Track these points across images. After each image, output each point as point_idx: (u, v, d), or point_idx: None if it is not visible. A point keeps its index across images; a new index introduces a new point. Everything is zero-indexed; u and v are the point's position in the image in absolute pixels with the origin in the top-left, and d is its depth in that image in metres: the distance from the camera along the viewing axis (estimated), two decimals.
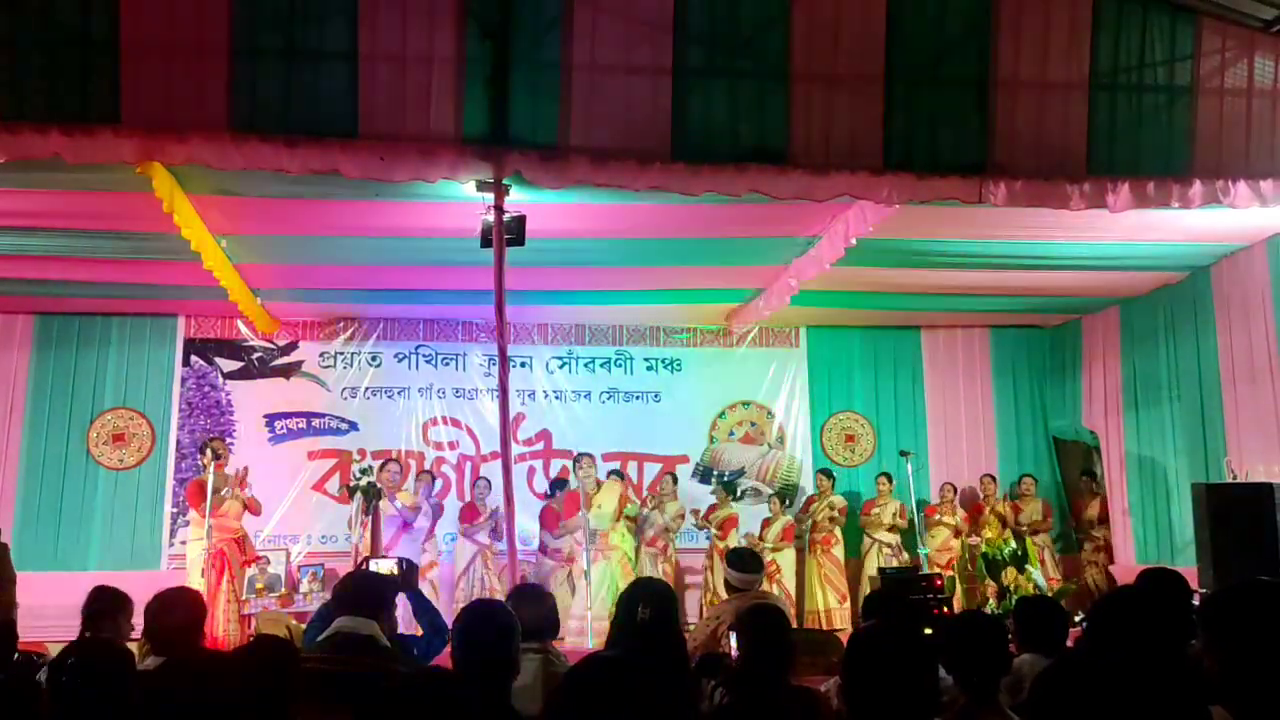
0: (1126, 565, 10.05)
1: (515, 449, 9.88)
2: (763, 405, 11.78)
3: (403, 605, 3.91)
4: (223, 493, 8.85)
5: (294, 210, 7.23)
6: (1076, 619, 7.26)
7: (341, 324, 11.18)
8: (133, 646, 3.49)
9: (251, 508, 9.31)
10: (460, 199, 6.53)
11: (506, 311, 6.59)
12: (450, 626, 2.74)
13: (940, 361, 11.84)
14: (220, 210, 7.13)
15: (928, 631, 3.43)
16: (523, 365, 11.28)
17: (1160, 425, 9.79)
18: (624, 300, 10.47)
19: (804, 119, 6.07)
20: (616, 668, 1.78)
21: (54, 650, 3.88)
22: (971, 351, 11.88)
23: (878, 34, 6.13)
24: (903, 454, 10.26)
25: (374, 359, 11.24)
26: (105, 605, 3.96)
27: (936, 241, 7.97)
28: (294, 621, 6.03)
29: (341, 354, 11.19)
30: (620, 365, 11.74)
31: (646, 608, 2.94)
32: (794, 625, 5.30)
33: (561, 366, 11.63)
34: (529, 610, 2.98)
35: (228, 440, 10.29)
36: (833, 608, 10.42)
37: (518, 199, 6.38)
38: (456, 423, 11.29)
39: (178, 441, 10.64)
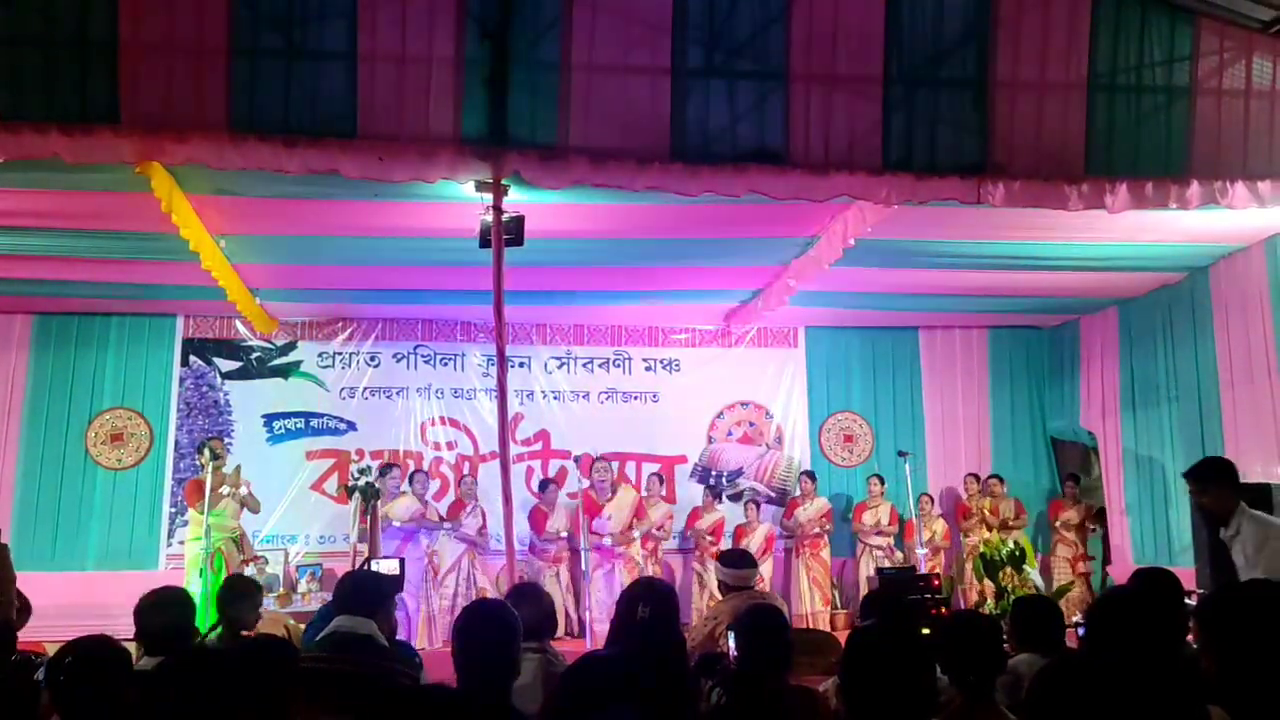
0: (1124, 566, 10.05)
1: (513, 449, 9.88)
2: (761, 405, 11.80)
3: None
4: (220, 491, 8.85)
5: (293, 210, 7.23)
6: (1071, 619, 7.28)
7: (340, 324, 11.18)
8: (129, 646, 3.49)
9: (250, 506, 9.31)
10: (459, 199, 6.54)
11: (505, 312, 6.59)
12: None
13: (938, 362, 11.86)
14: (219, 210, 7.13)
15: (925, 631, 3.43)
16: (521, 365, 11.29)
17: (1158, 426, 9.80)
18: (622, 300, 10.49)
19: (803, 119, 6.07)
20: (615, 667, 1.79)
21: (52, 650, 3.88)
22: (969, 352, 11.91)
23: (876, 35, 6.13)
24: (901, 454, 10.27)
25: (372, 359, 11.24)
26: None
27: (935, 242, 7.98)
28: (292, 621, 6.03)
29: (340, 354, 11.19)
30: (618, 365, 11.74)
31: (646, 607, 2.95)
32: None
33: (560, 367, 11.64)
34: (528, 610, 2.98)
35: (226, 440, 10.29)
36: (819, 610, 10.45)
37: (516, 199, 6.38)
38: (455, 423, 11.29)
39: (176, 441, 10.65)
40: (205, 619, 4.86)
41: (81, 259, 8.28)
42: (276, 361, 11.07)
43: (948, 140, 6.23)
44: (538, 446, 11.44)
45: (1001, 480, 10.99)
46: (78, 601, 8.36)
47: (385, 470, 9.96)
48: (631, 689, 1.65)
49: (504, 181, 6.18)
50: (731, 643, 3.30)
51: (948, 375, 11.81)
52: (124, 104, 5.54)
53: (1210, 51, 6.41)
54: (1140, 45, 6.40)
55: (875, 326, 11.64)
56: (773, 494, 11.47)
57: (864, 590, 10.41)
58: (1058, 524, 10.88)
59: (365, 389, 11.17)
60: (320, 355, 11.15)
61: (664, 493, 10.78)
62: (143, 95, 5.55)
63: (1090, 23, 6.31)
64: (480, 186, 6.21)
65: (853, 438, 11.79)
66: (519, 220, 6.51)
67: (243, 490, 9.20)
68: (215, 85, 5.64)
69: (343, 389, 11.12)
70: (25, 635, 4.10)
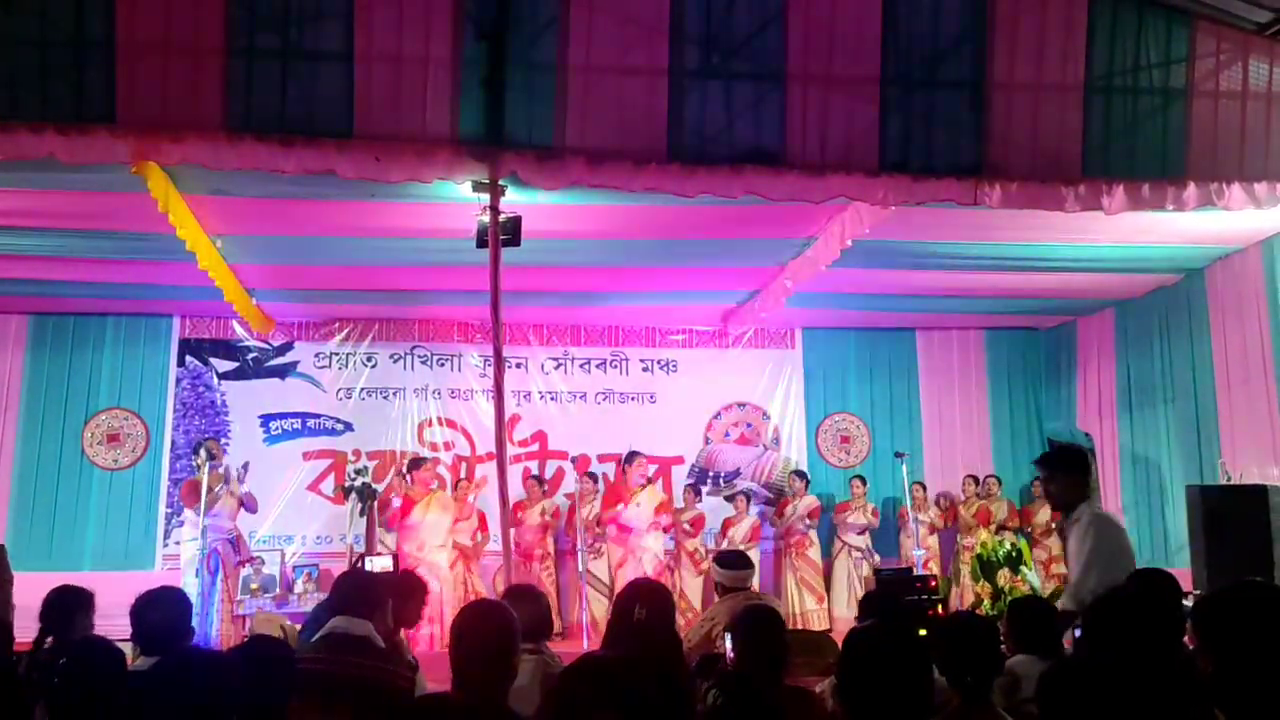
0: None
1: (510, 450, 9.87)
2: (758, 406, 11.79)
3: None
4: (216, 491, 8.84)
5: (289, 210, 7.22)
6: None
7: (337, 324, 11.17)
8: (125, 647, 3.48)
9: (248, 505, 9.30)
10: (456, 199, 6.53)
11: (502, 312, 6.58)
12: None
13: (935, 363, 11.87)
14: (215, 210, 7.12)
15: (922, 632, 3.42)
16: (518, 366, 11.29)
17: (1155, 427, 9.81)
18: (619, 301, 10.49)
19: (800, 120, 6.07)
20: (612, 668, 1.78)
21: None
22: (966, 353, 11.91)
23: (874, 36, 6.13)
24: (898, 455, 10.27)
25: (369, 359, 11.23)
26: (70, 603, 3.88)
27: (931, 243, 7.98)
28: (288, 622, 6.03)
29: (337, 354, 11.18)
30: (615, 366, 11.74)
31: (643, 608, 2.95)
32: None
33: (557, 367, 11.63)
34: (525, 610, 2.97)
35: (222, 440, 10.28)
36: (810, 609, 10.45)
37: (513, 200, 6.38)
38: (452, 424, 11.28)
39: (172, 442, 10.63)
40: (200, 619, 4.84)
41: (78, 259, 8.28)
42: (273, 362, 11.05)
43: (945, 141, 6.23)
44: (535, 447, 11.43)
45: (999, 481, 11.01)
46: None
47: (418, 463, 9.91)
48: (630, 691, 1.65)
49: (501, 182, 6.17)
50: (728, 644, 3.31)
51: (945, 377, 11.82)
52: (120, 104, 5.53)
53: (1207, 53, 6.42)
54: (1137, 47, 6.40)
55: (872, 328, 11.64)
56: (770, 495, 11.46)
57: (841, 589, 10.56)
58: (1031, 527, 10.87)
59: (362, 389, 11.16)
60: (317, 356, 11.13)
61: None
62: (139, 95, 5.54)
63: (1087, 25, 6.32)
64: (477, 187, 6.20)
65: (849, 439, 11.79)
66: (516, 221, 6.51)
67: (242, 489, 9.18)
68: (211, 85, 5.63)
69: (339, 389, 11.11)
70: (21, 636, 4.07)
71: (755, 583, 5.43)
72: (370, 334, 11.24)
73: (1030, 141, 6.29)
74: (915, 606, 5.07)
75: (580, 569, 9.69)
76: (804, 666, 4.31)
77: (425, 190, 6.34)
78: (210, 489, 8.67)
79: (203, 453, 8.98)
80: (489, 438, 10.93)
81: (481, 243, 6.48)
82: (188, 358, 10.88)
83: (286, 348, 11.10)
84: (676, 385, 11.71)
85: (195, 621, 4.11)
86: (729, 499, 11.30)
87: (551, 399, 11.56)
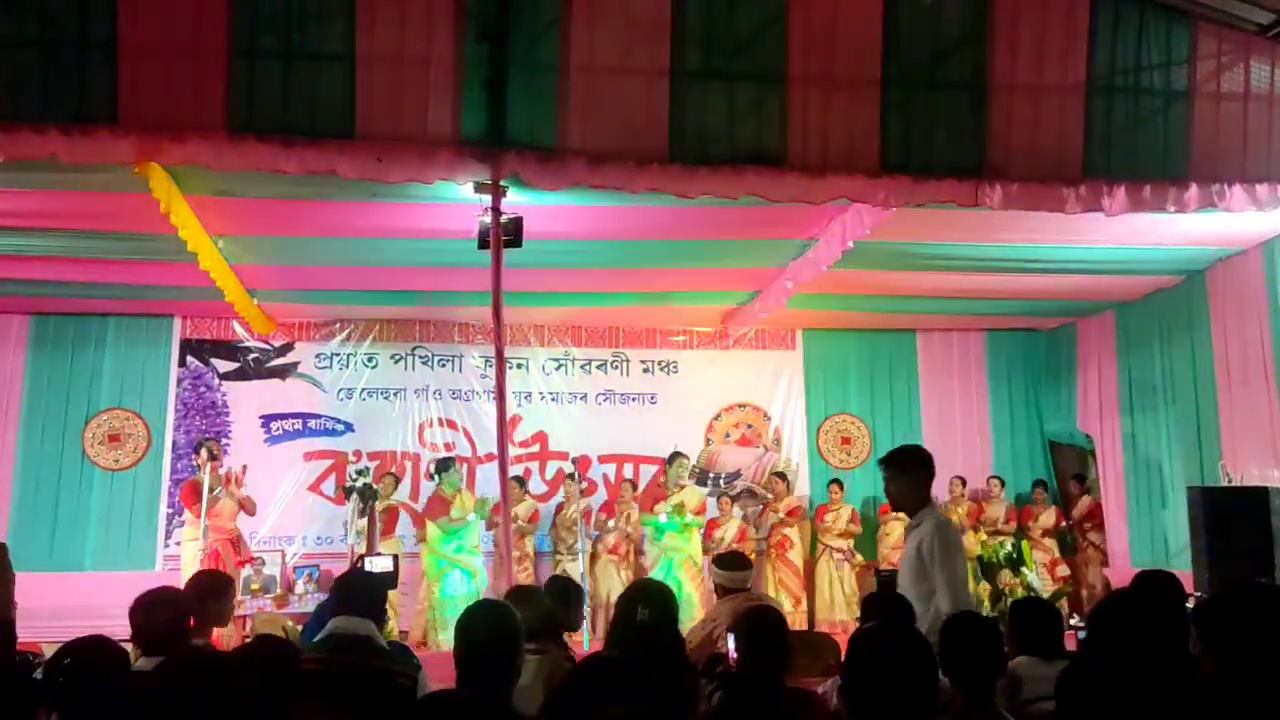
0: (1122, 569, 10.06)
1: (511, 451, 9.87)
2: (759, 407, 11.80)
3: None
4: (216, 492, 8.85)
5: (291, 211, 7.23)
6: (1071, 622, 7.28)
7: (338, 325, 11.17)
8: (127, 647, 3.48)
9: (246, 507, 9.30)
10: (458, 200, 6.54)
11: (503, 313, 6.58)
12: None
13: (936, 364, 11.87)
14: (217, 211, 7.12)
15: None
16: (519, 367, 11.29)
17: (1155, 429, 9.82)
18: (620, 302, 10.48)
19: (801, 122, 6.07)
20: (616, 669, 1.79)
21: (49, 651, 3.87)
22: (967, 354, 11.92)
23: (874, 37, 6.14)
24: None
25: (370, 360, 11.23)
26: None
27: (933, 244, 7.98)
28: (290, 623, 6.03)
29: (338, 355, 11.18)
30: (616, 367, 11.75)
31: (646, 608, 2.95)
32: None
33: (558, 368, 11.64)
34: (527, 610, 2.98)
35: (223, 441, 10.29)
36: (787, 612, 10.45)
37: (515, 200, 6.39)
38: (453, 424, 11.29)
39: (174, 442, 10.63)
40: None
41: (79, 259, 8.27)
42: (274, 362, 11.06)
43: (945, 143, 6.24)
44: (535, 448, 11.44)
45: (1002, 482, 11.01)
46: (75, 602, 8.32)
47: (446, 465, 9.98)
48: (634, 691, 1.65)
49: (502, 183, 6.18)
50: (731, 645, 3.31)
51: (945, 378, 11.82)
52: (122, 104, 5.54)
53: (1208, 55, 6.42)
54: (1138, 48, 6.41)
55: (873, 329, 11.65)
56: (723, 494, 11.41)
57: (824, 591, 10.62)
58: (1033, 528, 10.86)
59: (363, 390, 11.16)
60: (318, 356, 11.14)
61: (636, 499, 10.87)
62: (141, 96, 5.55)
63: (1088, 26, 6.32)
64: (479, 188, 6.21)
65: (850, 439, 11.80)
66: (517, 221, 6.51)
67: (239, 492, 9.19)
68: (213, 86, 5.63)
69: (340, 390, 11.12)
70: (22, 636, 4.07)
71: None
72: (371, 334, 11.24)
73: (1031, 142, 6.30)
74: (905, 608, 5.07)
75: (555, 571, 9.70)
76: (804, 668, 4.32)
77: (427, 191, 6.35)
78: (211, 490, 8.67)
79: (204, 453, 8.98)
80: (489, 438, 10.93)
81: (483, 244, 6.48)
82: (189, 358, 10.88)
83: (287, 348, 11.10)
84: (677, 386, 11.72)
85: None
86: (733, 500, 11.27)
87: (552, 400, 11.57)
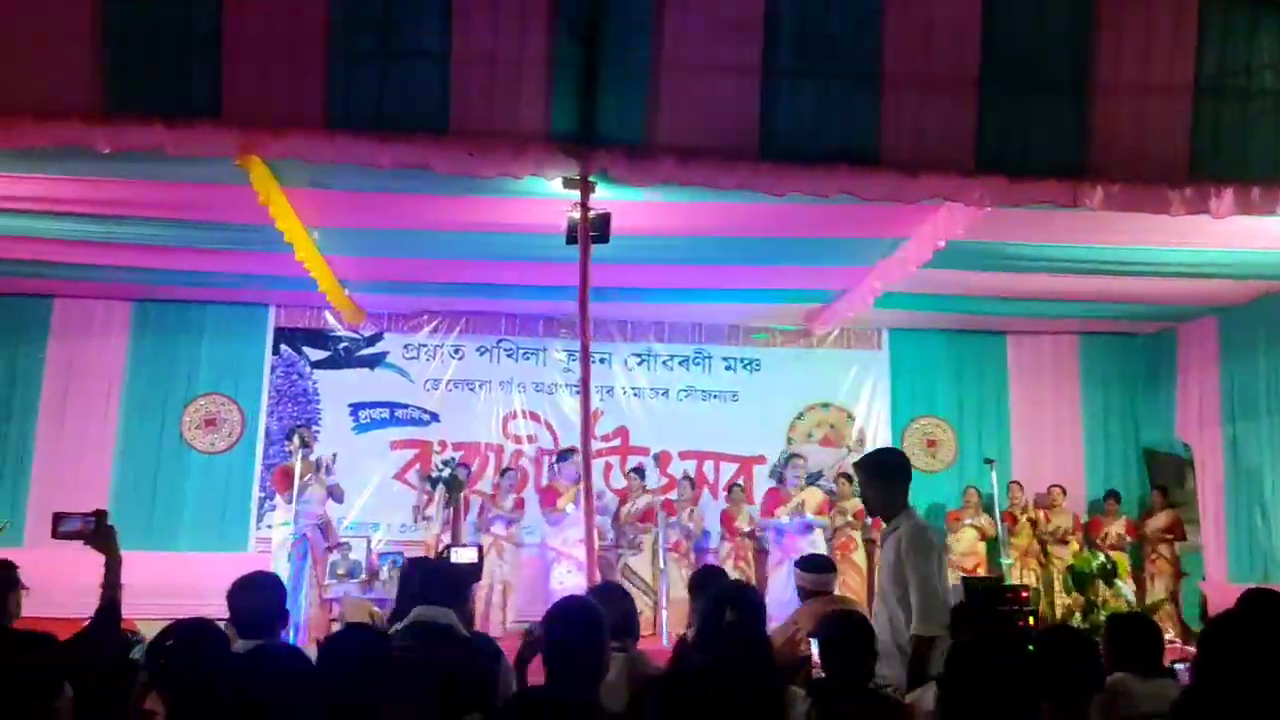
0: (1218, 583, 9.75)
1: (593, 445, 9.93)
2: (842, 407, 11.68)
3: None
4: (307, 479, 9.05)
5: (383, 204, 7.35)
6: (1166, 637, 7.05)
7: (425, 317, 11.35)
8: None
9: (335, 495, 9.50)
10: (546, 195, 6.58)
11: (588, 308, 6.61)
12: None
13: (1026, 368, 11.62)
14: (312, 203, 7.28)
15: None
16: (602, 361, 11.31)
17: (1258, 439, 9.47)
18: (704, 299, 10.45)
19: (894, 119, 5.95)
20: (711, 677, 1.78)
21: (144, 628, 4.00)
22: (1060, 359, 11.64)
23: (973, 34, 5.98)
24: (987, 462, 10.09)
25: (456, 352, 11.40)
26: None
27: (1027, 245, 7.81)
28: (376, 609, 6.14)
29: (425, 346, 11.37)
30: (699, 364, 11.73)
31: (734, 610, 2.93)
32: None
33: (640, 364, 11.66)
34: (611, 608, 2.99)
35: (314, 428, 10.52)
36: None
37: (602, 196, 6.40)
38: (535, 417, 11.39)
39: (267, 428, 10.91)
40: (290, 603, 4.94)
41: (180, 248, 8.53)
42: (363, 352, 11.28)
43: (1044, 141, 6.05)
44: (616, 443, 11.48)
45: (1064, 491, 10.73)
46: (170, 580, 8.58)
47: (566, 456, 10.07)
48: (727, 696, 1.64)
49: (591, 178, 6.20)
50: (815, 650, 3.27)
51: (1036, 382, 11.56)
52: (225, 98, 5.65)
53: None
54: (1249, 47, 6.15)
55: (962, 330, 11.44)
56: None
57: None
58: (1100, 541, 10.55)
59: (449, 381, 11.33)
60: (406, 347, 11.34)
61: (697, 497, 10.93)
62: (243, 90, 5.66)
63: (1197, 24, 6.08)
64: (568, 183, 6.24)
65: (936, 443, 11.60)
66: (605, 217, 6.52)
67: (330, 480, 9.38)
68: (313, 81, 5.72)
69: (427, 380, 11.30)
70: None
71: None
72: (458, 327, 11.39)
73: (1135, 142, 6.08)
74: (1007, 617, 4.96)
75: (620, 565, 9.74)
76: None
77: (516, 186, 6.39)
78: (302, 476, 8.88)
79: (295, 439, 9.19)
80: (571, 432, 10.98)
81: (571, 239, 6.52)
82: (282, 346, 11.15)
83: (376, 338, 11.32)
84: (759, 384, 11.65)
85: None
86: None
87: (634, 395, 11.60)
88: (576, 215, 6.36)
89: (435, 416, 11.23)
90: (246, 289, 10.35)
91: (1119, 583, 7.72)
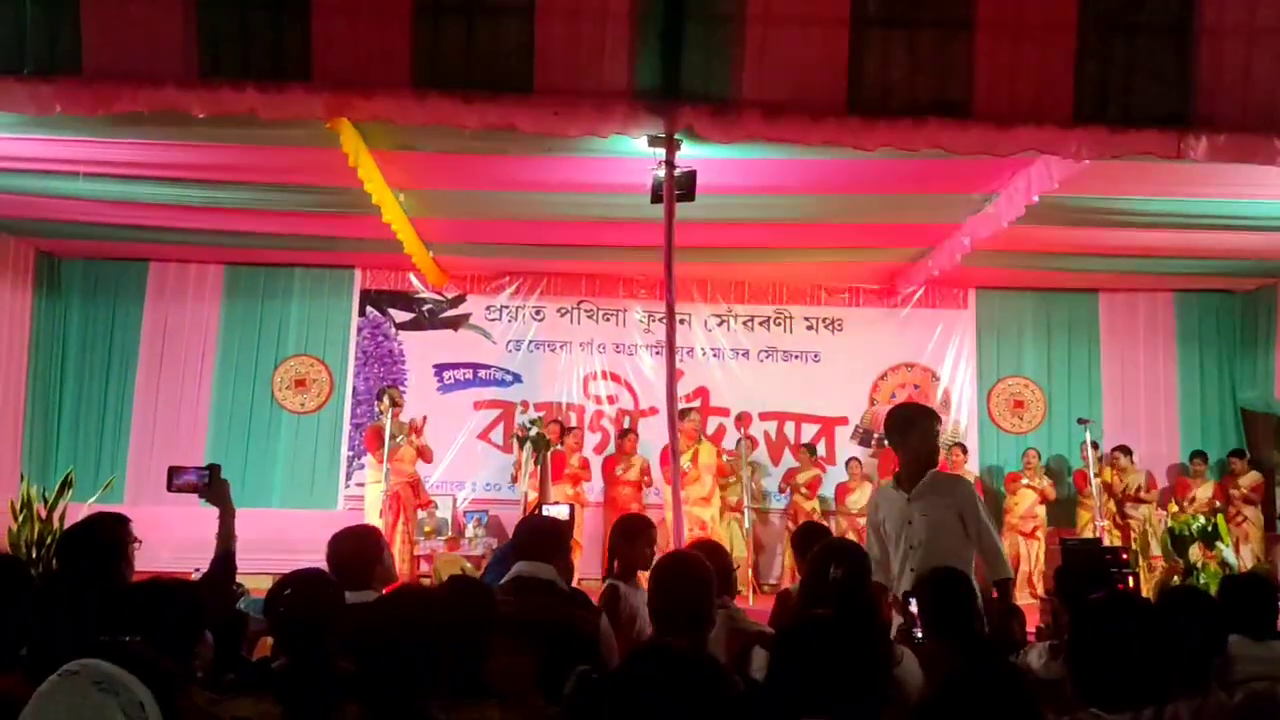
0: None
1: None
2: (927, 368, 11.52)
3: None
4: (398, 439, 9.20)
5: (468, 165, 7.39)
6: None
7: (507, 278, 11.44)
8: None
9: (424, 455, 9.66)
10: (631, 154, 6.54)
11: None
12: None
13: (1119, 327, 11.33)
14: (399, 165, 7.35)
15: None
16: (681, 322, 11.26)
17: None
18: (786, 258, 10.35)
19: (988, 69, 5.77)
20: (830, 628, 1.77)
21: (243, 580, 4.11)
22: (1154, 317, 11.34)
23: None
24: (1080, 421, 9.87)
25: (538, 313, 11.48)
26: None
27: (1123, 199, 7.57)
28: (469, 564, 6.26)
29: (506, 307, 11.47)
30: (779, 324, 11.65)
31: (839, 567, 2.91)
32: None
33: (720, 324, 11.62)
34: (714, 564, 2.99)
35: (400, 388, 10.71)
36: None
37: (688, 154, 6.35)
38: (616, 377, 11.44)
39: (354, 388, 11.14)
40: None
41: (270, 212, 8.69)
42: (447, 314, 11.43)
43: (1146, 91, 5.82)
44: (696, 403, 11.45)
45: (1128, 452, 10.47)
46: (264, 536, 8.81)
47: (685, 415, 10.08)
48: (848, 651, 1.64)
49: (676, 136, 6.15)
50: (914, 608, 3.24)
51: (1129, 341, 11.27)
52: (315, 62, 5.69)
53: None
54: None
55: (1051, 288, 11.19)
56: (852, 458, 11.12)
57: None
58: (1187, 504, 10.26)
59: (530, 342, 11.42)
60: (488, 308, 11.45)
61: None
62: (333, 53, 5.70)
63: None
64: (653, 141, 6.20)
65: (1023, 403, 11.40)
66: (690, 175, 6.47)
67: (419, 440, 9.53)
68: (400, 43, 5.74)
69: (509, 342, 11.41)
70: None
71: None
72: (539, 288, 11.47)
73: (1242, 91, 5.82)
74: (1111, 580, 4.86)
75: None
76: None
77: (600, 145, 6.36)
78: (393, 437, 9.04)
79: (385, 400, 9.35)
80: (652, 392, 11.04)
81: (656, 198, 6.49)
82: (368, 308, 11.35)
83: (459, 300, 11.45)
84: (841, 344, 11.55)
85: None
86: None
87: (714, 355, 11.57)
88: (661, 173, 6.32)
89: (518, 377, 11.35)
90: (333, 252, 10.53)
91: (1220, 545, 7.51)
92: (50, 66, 5.44)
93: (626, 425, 11.04)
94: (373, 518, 8.79)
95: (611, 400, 11.40)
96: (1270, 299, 10.62)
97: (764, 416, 11.37)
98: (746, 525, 10.00)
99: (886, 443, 4.55)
